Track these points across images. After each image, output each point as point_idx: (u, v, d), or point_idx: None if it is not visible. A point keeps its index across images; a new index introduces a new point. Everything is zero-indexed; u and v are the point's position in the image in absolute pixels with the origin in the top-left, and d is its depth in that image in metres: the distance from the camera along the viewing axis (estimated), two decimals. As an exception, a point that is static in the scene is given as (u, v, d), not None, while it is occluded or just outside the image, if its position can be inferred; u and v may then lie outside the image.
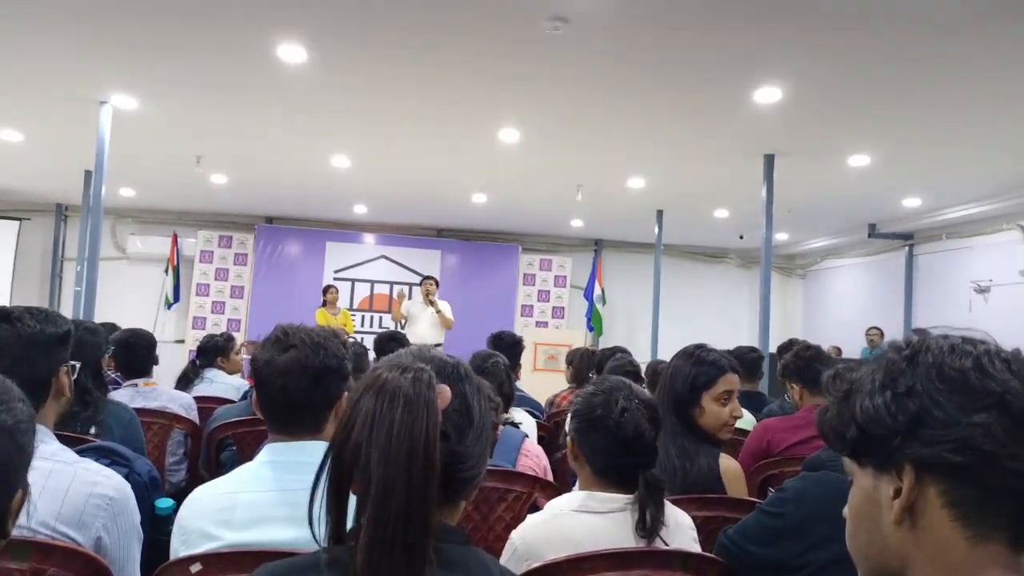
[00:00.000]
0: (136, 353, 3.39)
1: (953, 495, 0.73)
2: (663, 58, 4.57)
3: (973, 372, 0.74)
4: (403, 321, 8.04)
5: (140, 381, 3.40)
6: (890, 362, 0.79)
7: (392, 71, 4.97)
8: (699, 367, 2.25)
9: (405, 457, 0.83)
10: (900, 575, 0.77)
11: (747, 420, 3.64)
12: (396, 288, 11.00)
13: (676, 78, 4.88)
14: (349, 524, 0.90)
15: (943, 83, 4.73)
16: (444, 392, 0.90)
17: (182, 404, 3.42)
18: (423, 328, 7.72)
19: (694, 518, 1.72)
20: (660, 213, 9.30)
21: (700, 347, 2.33)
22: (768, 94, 5.02)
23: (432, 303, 7.82)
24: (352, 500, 0.89)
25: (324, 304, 8.71)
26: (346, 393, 1.55)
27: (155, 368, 3.57)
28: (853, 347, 9.67)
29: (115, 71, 5.24)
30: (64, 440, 1.64)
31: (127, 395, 3.24)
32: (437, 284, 8.14)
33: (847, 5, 3.78)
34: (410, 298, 8.86)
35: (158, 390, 3.44)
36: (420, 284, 8.15)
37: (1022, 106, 5.06)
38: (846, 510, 0.84)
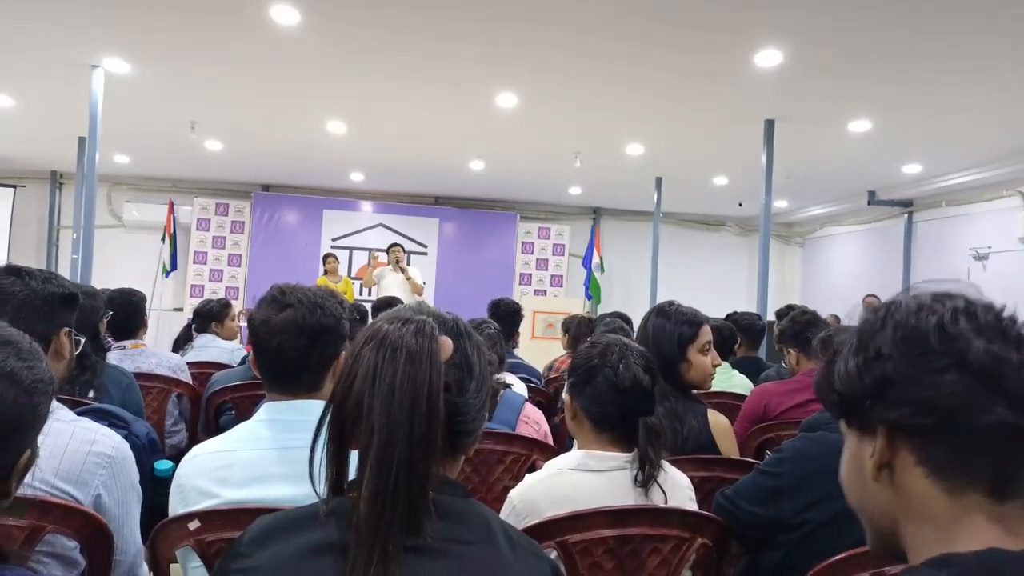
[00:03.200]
0: (123, 313, 3.36)
1: (924, 453, 0.74)
2: (663, 21, 4.50)
3: (934, 333, 0.75)
4: (373, 287, 8.12)
5: (128, 343, 3.40)
6: (863, 324, 0.82)
7: (388, 34, 4.90)
8: (680, 323, 2.29)
9: (408, 407, 0.84)
10: (893, 529, 0.79)
11: (745, 384, 3.66)
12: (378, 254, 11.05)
13: (676, 41, 4.82)
14: (350, 478, 0.90)
15: (945, 48, 4.67)
16: (446, 343, 0.90)
17: (171, 366, 3.41)
18: (395, 293, 7.76)
19: (692, 478, 1.73)
20: (659, 180, 9.24)
21: (671, 304, 2.38)
22: (769, 57, 4.95)
23: (402, 269, 7.86)
24: (353, 455, 0.89)
25: (325, 273, 8.73)
26: (344, 352, 1.55)
27: (155, 336, 3.58)
28: (851, 315, 9.67)
29: (106, 33, 5.15)
30: (63, 403, 1.65)
31: (115, 357, 3.22)
32: (404, 249, 8.19)
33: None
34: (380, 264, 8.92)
35: (146, 352, 3.43)
36: (388, 251, 8.19)
37: (1021, 73, 5.00)
38: (841, 477, 0.86)
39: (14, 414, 0.91)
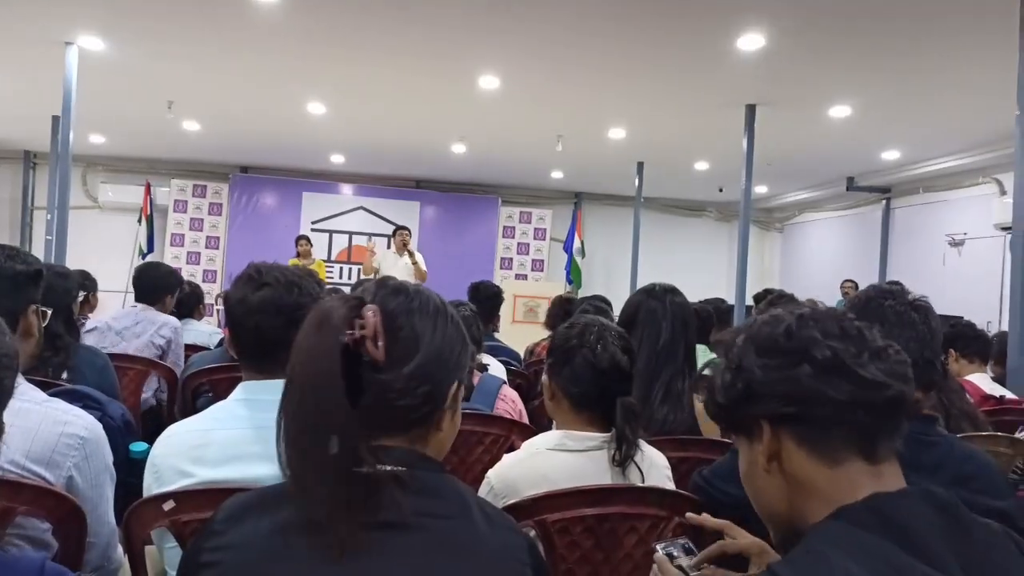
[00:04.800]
0: (141, 281, 3.74)
1: (801, 436, 0.86)
2: (645, 5, 4.49)
3: (782, 337, 0.88)
4: (375, 274, 7.98)
5: (140, 305, 3.64)
6: (727, 346, 0.94)
7: (369, 15, 4.84)
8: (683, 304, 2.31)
9: (312, 376, 0.83)
10: (792, 516, 0.89)
11: (722, 368, 3.69)
12: (375, 240, 10.97)
13: (658, 25, 4.81)
14: None
15: (925, 36, 4.71)
16: (367, 316, 0.87)
17: (175, 326, 3.64)
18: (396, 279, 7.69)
19: (670, 459, 1.74)
20: (640, 165, 9.25)
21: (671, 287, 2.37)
22: (751, 41, 4.96)
23: (410, 253, 7.79)
24: None
25: (297, 256, 8.63)
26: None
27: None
28: (829, 300, 9.77)
29: (81, 10, 5.05)
30: (35, 385, 1.62)
31: (129, 308, 3.74)
32: (410, 232, 8.12)
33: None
34: (377, 250, 8.80)
35: (150, 312, 3.62)
36: (394, 235, 8.09)
37: (1000, 61, 5.03)
38: (742, 479, 0.96)
39: None
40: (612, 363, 1.55)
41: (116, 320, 3.55)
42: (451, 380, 0.95)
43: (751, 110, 6.48)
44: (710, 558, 1.17)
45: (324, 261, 10.69)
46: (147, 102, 7.26)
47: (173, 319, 3.70)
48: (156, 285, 3.75)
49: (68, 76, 5.74)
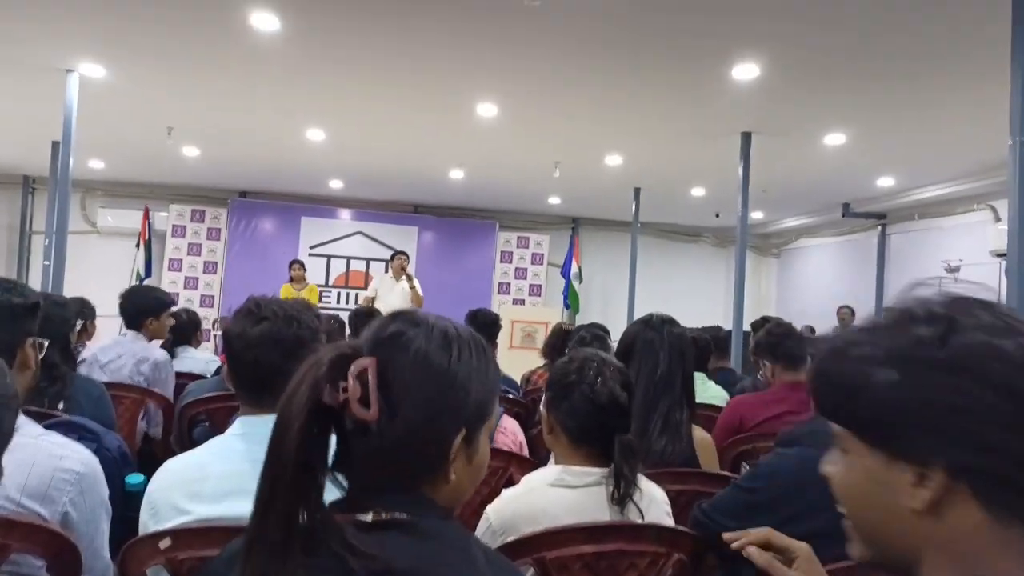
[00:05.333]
0: (127, 306, 3.63)
1: (986, 489, 0.66)
2: (642, 33, 4.54)
3: (1016, 368, 0.65)
4: (372, 301, 7.95)
5: (130, 333, 3.57)
6: (916, 341, 0.70)
7: (368, 42, 4.89)
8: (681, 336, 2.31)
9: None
10: (907, 553, 0.72)
11: (720, 395, 3.68)
12: (372, 264, 10.98)
13: (655, 53, 4.86)
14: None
15: (919, 65, 4.76)
16: (350, 378, 0.82)
17: (157, 360, 3.49)
18: (393, 303, 7.66)
19: (668, 491, 1.73)
20: (637, 191, 9.30)
21: (668, 318, 2.37)
22: (746, 70, 5.01)
23: (408, 277, 7.79)
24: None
25: (291, 280, 8.61)
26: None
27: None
28: (826, 325, 9.79)
29: (82, 38, 5.09)
30: (31, 416, 1.61)
31: (111, 340, 3.60)
32: (408, 257, 8.13)
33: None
34: (375, 275, 8.78)
35: (150, 346, 3.56)
36: (392, 259, 8.10)
37: (994, 88, 5.09)
38: (837, 485, 0.78)
39: None
40: (611, 398, 1.55)
41: (102, 352, 3.48)
42: (451, 433, 0.87)
43: (746, 138, 6.54)
44: (756, 541, 1.12)
45: (321, 286, 10.69)
46: (147, 128, 7.30)
47: (158, 352, 3.58)
48: (139, 309, 3.63)
49: (68, 103, 5.77)
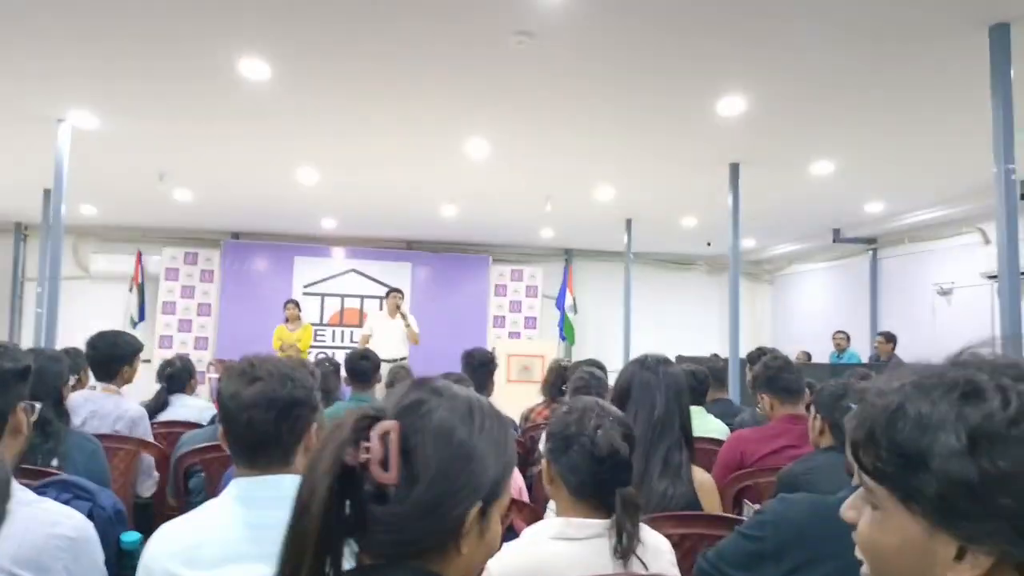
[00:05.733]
0: (95, 354, 3.34)
1: None
2: (627, 71, 4.60)
3: None
4: (368, 340, 7.91)
5: (100, 385, 3.33)
6: (987, 415, 0.66)
7: (357, 85, 4.94)
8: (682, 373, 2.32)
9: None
10: None
11: (720, 429, 3.66)
12: (367, 302, 10.97)
13: (641, 90, 4.92)
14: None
15: (903, 90, 4.83)
16: (374, 446, 0.82)
17: (129, 418, 3.30)
18: (390, 342, 7.63)
19: (671, 536, 1.71)
20: (629, 222, 9.36)
21: (663, 358, 2.37)
22: (732, 104, 5.08)
23: (403, 315, 7.76)
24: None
25: (285, 320, 8.59)
26: (315, 425, 1.51)
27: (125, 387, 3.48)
28: (822, 351, 9.80)
29: (72, 88, 5.13)
30: (25, 473, 1.59)
31: (81, 396, 3.27)
32: (403, 295, 8.11)
33: (808, 17, 3.84)
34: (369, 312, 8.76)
35: (112, 397, 3.32)
36: (387, 297, 8.08)
37: (979, 114, 5.16)
38: (864, 540, 0.76)
39: None
40: (611, 451, 1.53)
41: (74, 411, 3.08)
42: (467, 505, 0.86)
43: (735, 168, 6.60)
44: None
45: (316, 325, 10.66)
46: (138, 173, 7.32)
47: (132, 408, 3.36)
48: (112, 356, 3.36)
49: (59, 151, 5.79)
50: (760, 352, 3.88)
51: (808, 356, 9.81)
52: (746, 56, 4.35)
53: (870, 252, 9.86)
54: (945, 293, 8.58)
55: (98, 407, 3.25)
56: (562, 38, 4.14)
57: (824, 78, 4.63)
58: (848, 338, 9.32)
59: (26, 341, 9.08)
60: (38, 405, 1.76)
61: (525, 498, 2.45)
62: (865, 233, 9.48)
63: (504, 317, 11.72)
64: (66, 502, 1.67)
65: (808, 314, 11.50)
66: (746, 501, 2.73)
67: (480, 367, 4.10)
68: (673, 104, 5.17)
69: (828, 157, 6.39)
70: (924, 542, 0.69)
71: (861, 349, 9.41)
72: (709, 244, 10.77)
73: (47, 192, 7.89)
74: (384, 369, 4.73)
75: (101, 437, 2.89)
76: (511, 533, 2.11)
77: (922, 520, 0.69)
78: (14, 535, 1.41)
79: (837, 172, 6.77)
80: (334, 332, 11.02)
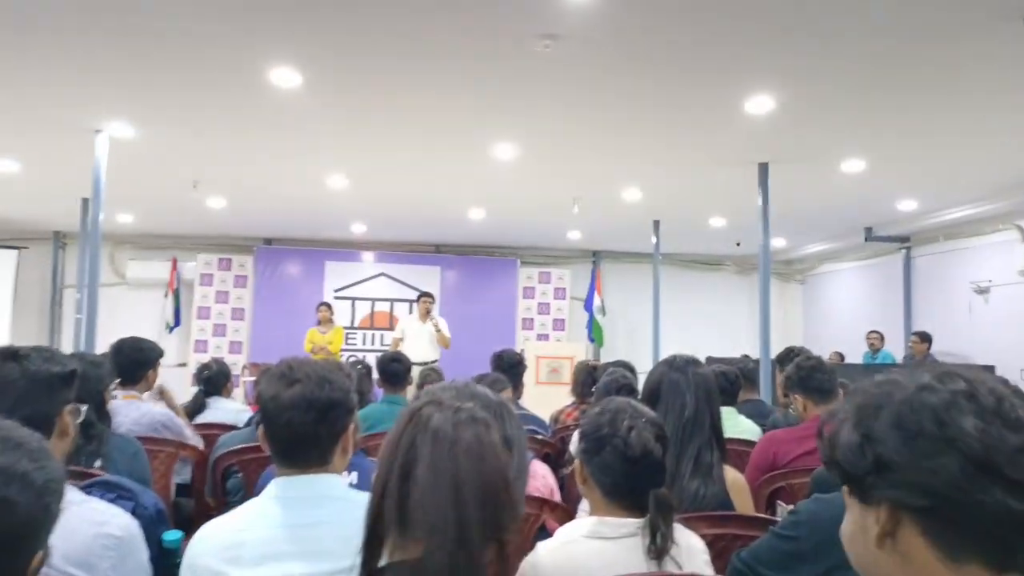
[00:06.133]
0: (120, 359, 3.33)
1: (926, 526, 0.77)
2: (654, 71, 4.59)
3: (929, 417, 0.77)
4: (399, 343, 7.96)
5: (121, 393, 3.28)
6: (863, 398, 0.84)
7: (386, 92, 4.99)
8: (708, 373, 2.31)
9: (478, 502, 0.84)
10: None
11: (751, 430, 3.64)
12: (396, 305, 11.06)
13: (668, 90, 4.91)
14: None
15: (935, 86, 4.76)
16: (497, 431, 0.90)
17: (152, 421, 3.32)
18: (421, 345, 7.69)
19: (704, 536, 1.71)
20: (657, 223, 9.31)
21: (692, 359, 2.37)
22: (760, 103, 5.04)
23: (434, 322, 7.81)
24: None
25: (318, 323, 8.68)
26: (352, 426, 1.55)
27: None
28: (855, 352, 9.67)
29: (110, 99, 5.26)
30: (70, 474, 1.64)
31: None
32: (434, 300, 8.15)
33: (837, 13, 3.80)
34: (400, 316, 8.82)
35: (135, 403, 3.34)
36: (418, 301, 8.14)
37: (1015, 107, 5.08)
38: (841, 535, 0.89)
39: (27, 518, 0.90)
40: (644, 452, 1.54)
41: None
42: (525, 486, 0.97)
43: (764, 168, 6.54)
44: None
45: (347, 328, 10.78)
46: (173, 182, 7.47)
47: (156, 411, 3.39)
48: (138, 361, 3.38)
49: (97, 161, 5.93)
50: (790, 352, 3.84)
51: (841, 357, 9.69)
52: (774, 54, 4.32)
53: (903, 251, 9.70)
54: (982, 291, 8.41)
55: (122, 416, 3.20)
56: (588, 41, 4.14)
57: (854, 74, 4.58)
58: (882, 338, 9.18)
59: (65, 347, 9.29)
60: (84, 407, 1.81)
61: (557, 498, 2.46)
62: (898, 231, 9.33)
63: (532, 319, 11.73)
64: (111, 502, 1.72)
65: (840, 314, 11.34)
66: (779, 502, 2.71)
67: (510, 368, 4.12)
68: (701, 104, 5.15)
69: (859, 155, 6.31)
70: (861, 519, 0.84)
71: (895, 350, 9.27)
72: (739, 244, 10.68)
73: (85, 201, 8.07)
74: (415, 372, 4.78)
75: (141, 440, 2.96)
76: (544, 533, 2.12)
77: (856, 500, 0.85)
78: (64, 533, 1.45)
79: (869, 170, 6.68)
80: (365, 335, 11.12)
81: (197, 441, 3.53)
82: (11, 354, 1.65)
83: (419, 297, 8.16)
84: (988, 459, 0.74)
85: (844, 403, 0.88)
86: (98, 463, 2.53)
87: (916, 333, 8.57)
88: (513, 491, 0.86)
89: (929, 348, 8.16)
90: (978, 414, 0.76)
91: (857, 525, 0.85)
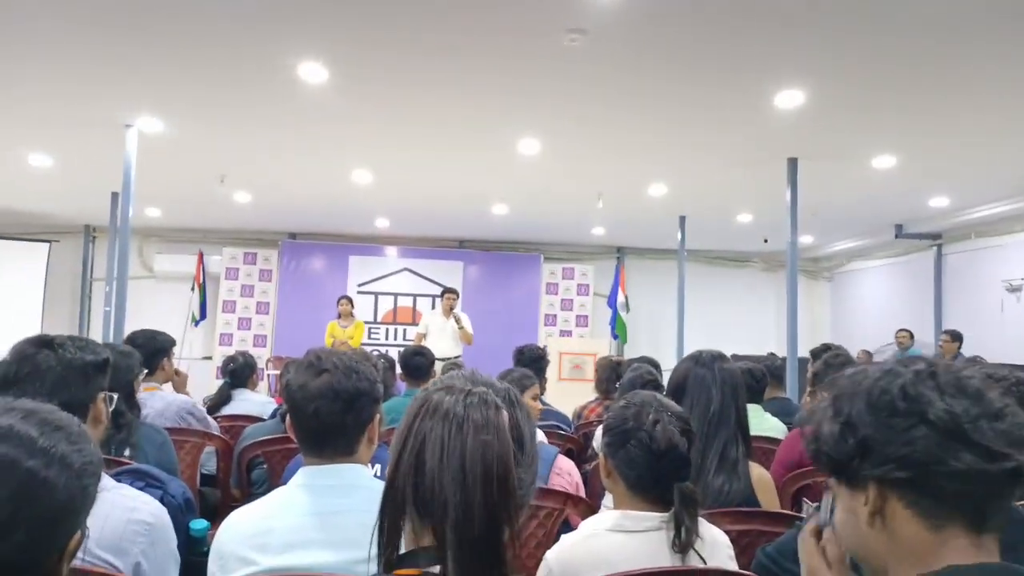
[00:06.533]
0: (144, 352, 3.27)
1: (910, 498, 0.85)
2: (682, 65, 4.56)
3: (899, 396, 0.86)
4: (423, 339, 7.97)
5: (142, 385, 3.24)
6: (838, 393, 0.93)
7: (411, 87, 5.00)
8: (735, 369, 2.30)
9: (481, 481, 0.84)
10: (885, 569, 0.88)
11: (778, 427, 3.61)
12: (419, 300, 11.10)
13: (696, 84, 4.87)
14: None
15: (968, 82, 4.67)
16: (507, 416, 0.90)
17: (177, 410, 3.36)
18: (444, 341, 7.70)
19: (729, 532, 1.70)
20: (682, 219, 9.24)
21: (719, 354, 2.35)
22: (790, 98, 4.98)
23: (456, 318, 7.81)
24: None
25: (338, 316, 8.68)
26: (378, 415, 1.56)
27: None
28: (884, 350, 9.54)
29: (140, 95, 5.32)
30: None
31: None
32: (458, 296, 8.15)
33: (867, 7, 3.74)
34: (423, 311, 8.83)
35: (156, 395, 3.38)
36: (441, 297, 8.15)
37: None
38: (834, 519, 0.96)
39: (66, 498, 0.92)
40: (669, 445, 1.53)
41: None
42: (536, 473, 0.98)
43: (793, 163, 6.47)
44: None
45: (370, 323, 10.84)
46: (200, 176, 7.56)
47: (178, 398, 3.44)
48: (154, 349, 3.40)
49: (127, 156, 6.02)
50: (825, 348, 3.80)
51: (869, 355, 9.56)
52: (805, 48, 4.26)
53: (934, 248, 9.54)
54: (1015, 290, 8.25)
55: (147, 409, 3.23)
56: (615, 34, 4.12)
57: (886, 69, 4.50)
58: (911, 336, 9.04)
59: (95, 338, 9.44)
60: (115, 396, 1.84)
61: (581, 493, 2.46)
62: (929, 228, 9.18)
63: (555, 315, 11.71)
64: (140, 490, 1.74)
65: (869, 312, 11.19)
66: (805, 500, 2.69)
67: (532, 363, 4.11)
68: (729, 99, 5.10)
69: (890, 151, 6.22)
70: (851, 504, 0.90)
71: (925, 348, 9.12)
72: (766, 241, 10.56)
73: (115, 195, 8.20)
74: (438, 367, 4.79)
75: (168, 430, 3.00)
76: (567, 527, 2.12)
77: (846, 489, 0.91)
78: (96, 519, 1.48)
79: (900, 166, 6.58)
80: (387, 330, 11.18)
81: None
82: (46, 342, 1.69)
83: (442, 293, 8.16)
84: (955, 426, 0.83)
85: (822, 400, 0.95)
86: (127, 452, 2.57)
87: (947, 331, 8.42)
88: (514, 478, 0.86)
89: (960, 347, 8.02)
90: (940, 388, 0.85)
91: (848, 510, 0.91)
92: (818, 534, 1.01)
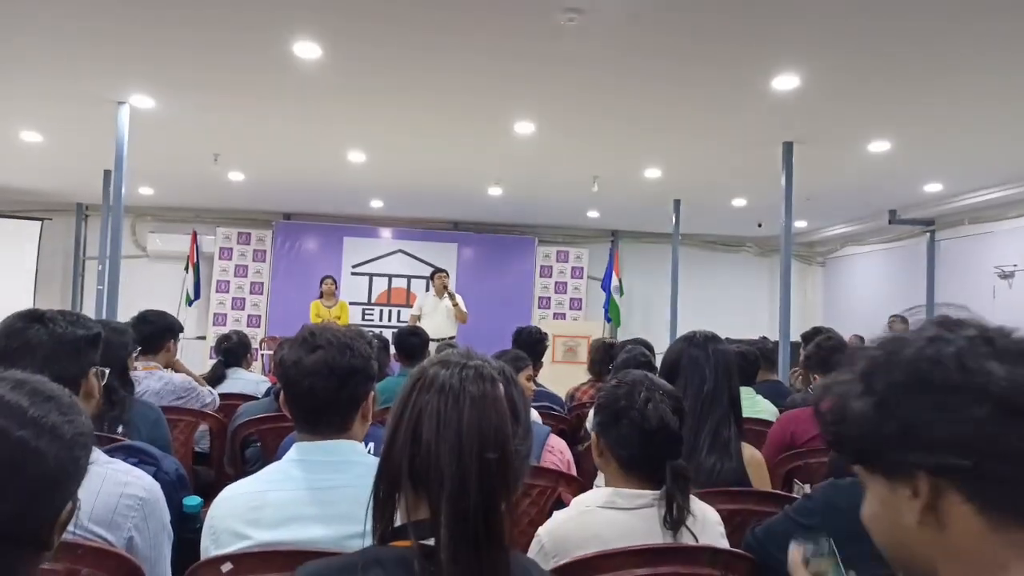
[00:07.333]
0: (142, 328, 3.41)
1: (973, 491, 0.71)
2: (679, 47, 4.53)
3: (954, 366, 0.72)
4: (418, 320, 7.96)
5: (140, 364, 3.36)
6: (868, 367, 0.78)
7: (406, 66, 4.96)
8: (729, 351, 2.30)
9: (478, 453, 0.84)
10: (931, 570, 0.75)
11: (769, 410, 3.63)
12: (413, 282, 11.09)
13: (692, 67, 4.84)
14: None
15: (963, 67, 4.66)
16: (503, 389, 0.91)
17: (175, 387, 3.37)
18: (438, 321, 7.70)
19: (720, 511, 1.71)
20: (677, 203, 9.23)
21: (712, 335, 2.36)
22: (786, 81, 4.96)
23: (450, 295, 7.82)
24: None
25: (320, 296, 8.56)
26: (372, 393, 1.56)
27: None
28: (875, 335, 9.56)
29: (132, 72, 5.27)
30: (95, 440, 1.66)
31: None
32: (447, 275, 8.16)
33: (867, -10, 3.73)
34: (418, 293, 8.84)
35: (156, 374, 3.39)
36: (433, 278, 8.14)
37: (1046, 88, 4.97)
38: (864, 520, 0.82)
39: (56, 469, 0.92)
40: (661, 424, 1.54)
41: None
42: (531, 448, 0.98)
43: (788, 147, 6.46)
44: None
45: (364, 304, 10.83)
46: (194, 155, 7.50)
47: (176, 377, 3.46)
48: (161, 329, 3.50)
49: (120, 133, 5.96)
50: (816, 331, 3.82)
51: (861, 340, 9.58)
52: (802, 31, 4.24)
53: (928, 234, 9.56)
54: (1006, 276, 8.29)
55: (143, 387, 3.25)
56: (611, 14, 4.08)
57: (883, 53, 4.49)
58: (905, 321, 9.07)
59: (88, 317, 9.40)
60: (107, 370, 1.84)
61: (573, 472, 2.47)
62: (923, 214, 9.20)
63: (549, 298, 11.72)
64: (133, 466, 1.75)
65: (862, 297, 11.23)
66: (796, 481, 2.71)
67: (530, 346, 4.13)
68: (725, 82, 5.08)
69: (886, 135, 6.21)
70: (890, 497, 0.76)
71: (917, 335, 9.15)
72: (760, 225, 10.58)
73: (107, 173, 8.11)
74: (432, 347, 4.80)
75: (162, 408, 3.00)
76: (559, 505, 2.13)
77: (882, 479, 0.77)
78: (88, 494, 1.48)
79: (894, 151, 6.58)
80: (381, 311, 11.17)
81: (215, 400, 3.59)
82: (37, 317, 1.68)
83: (433, 273, 8.16)
84: (1020, 401, 0.69)
85: (842, 373, 0.81)
86: (120, 429, 2.57)
87: (895, 315, 8.51)
88: (511, 449, 0.86)
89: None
90: (999, 356, 0.71)
91: (886, 504, 0.77)
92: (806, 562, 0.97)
